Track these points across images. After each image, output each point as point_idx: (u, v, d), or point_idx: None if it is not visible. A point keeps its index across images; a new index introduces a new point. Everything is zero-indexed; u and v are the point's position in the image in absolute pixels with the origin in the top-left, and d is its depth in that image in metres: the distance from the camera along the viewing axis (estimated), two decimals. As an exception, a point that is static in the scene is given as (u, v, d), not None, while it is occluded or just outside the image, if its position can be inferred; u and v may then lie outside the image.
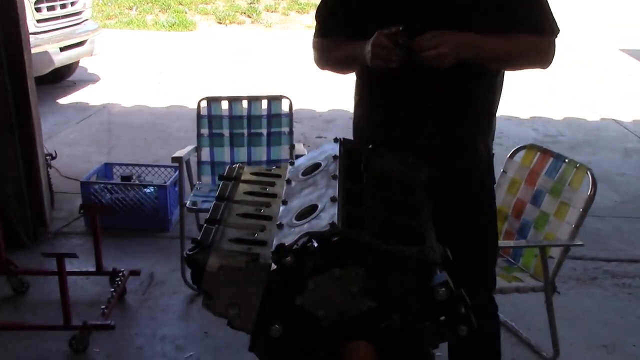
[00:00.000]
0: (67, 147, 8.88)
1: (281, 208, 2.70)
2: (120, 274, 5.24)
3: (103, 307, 4.81)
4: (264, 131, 5.84)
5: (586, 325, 3.44)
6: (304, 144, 6.33)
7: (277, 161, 5.84)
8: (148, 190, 6.49)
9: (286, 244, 2.36)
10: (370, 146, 2.99)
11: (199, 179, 5.92)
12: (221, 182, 2.92)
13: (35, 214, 5.92)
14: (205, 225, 2.57)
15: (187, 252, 2.41)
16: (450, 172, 2.94)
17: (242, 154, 5.85)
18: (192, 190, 5.72)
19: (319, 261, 2.29)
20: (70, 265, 5.28)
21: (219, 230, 2.53)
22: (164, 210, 6.20)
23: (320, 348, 2.28)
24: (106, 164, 6.96)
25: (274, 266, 2.31)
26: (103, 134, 9.33)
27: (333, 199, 2.49)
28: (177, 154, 5.49)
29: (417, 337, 2.19)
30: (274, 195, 2.85)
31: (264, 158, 5.93)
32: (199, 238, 2.47)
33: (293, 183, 2.88)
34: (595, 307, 3.34)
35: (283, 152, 5.98)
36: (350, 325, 2.28)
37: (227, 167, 3.08)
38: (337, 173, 2.70)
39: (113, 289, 4.90)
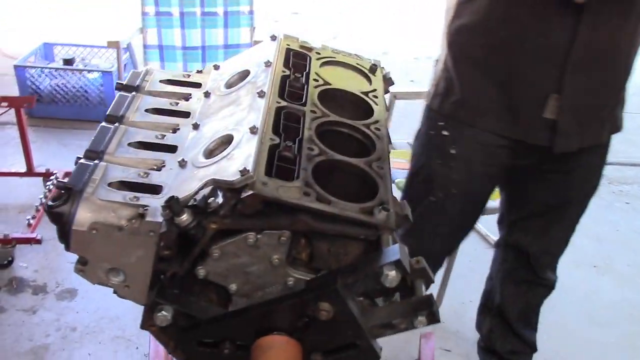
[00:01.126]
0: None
1: (190, 135, 2.00)
2: (54, 176, 4.58)
3: (29, 217, 4.20)
4: (220, 10, 4.97)
5: (576, 241, 2.92)
6: (274, 23, 5.46)
7: (236, 46, 5.03)
8: (92, 77, 5.70)
9: (181, 197, 1.68)
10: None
11: (146, 64, 5.13)
12: (117, 94, 2.18)
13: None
14: (79, 159, 1.87)
15: (50, 203, 1.73)
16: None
17: (194, 37, 5.03)
18: (136, 79, 4.93)
19: (225, 223, 1.62)
20: (-1, 164, 4.57)
21: (98, 168, 1.83)
22: (111, 99, 5.39)
23: (226, 337, 1.67)
24: (46, 44, 6.08)
25: (164, 226, 1.64)
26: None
27: (253, 130, 1.79)
28: (115, 38, 4.66)
29: (356, 328, 1.58)
30: (187, 115, 2.13)
31: (221, 42, 5.10)
32: (66, 180, 1.78)
33: (212, 98, 2.16)
34: (587, 219, 2.82)
35: (243, 36, 5.14)
36: (267, 310, 1.65)
37: (131, 72, 2.33)
38: (265, 88, 1.97)
39: (43, 195, 4.20)
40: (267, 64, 2.11)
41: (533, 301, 3.00)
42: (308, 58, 2.25)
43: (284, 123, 1.88)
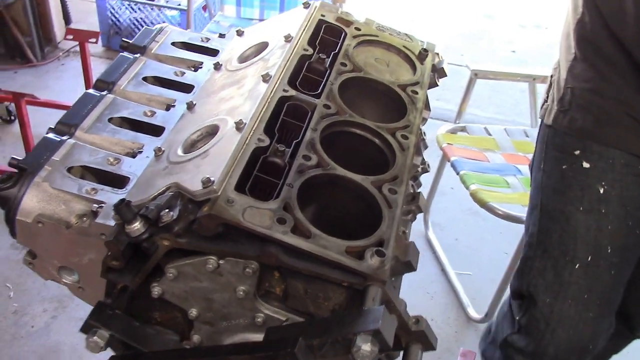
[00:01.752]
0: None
1: (182, 115, 1.67)
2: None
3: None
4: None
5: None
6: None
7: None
8: (171, 14, 5.47)
9: (138, 198, 1.38)
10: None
11: (222, 9, 4.83)
12: (119, 55, 1.88)
13: (44, 30, 5.14)
14: (47, 133, 1.60)
15: (-2, 183, 1.48)
16: None
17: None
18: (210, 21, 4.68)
19: (179, 242, 1.31)
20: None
21: (63, 146, 1.56)
22: (185, 40, 5.15)
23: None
24: (130, -24, 5.89)
25: (111, 234, 1.35)
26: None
27: (239, 125, 1.44)
28: (187, -24, 4.37)
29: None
30: (189, 88, 1.81)
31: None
32: (21, 159, 1.51)
33: (221, 72, 1.82)
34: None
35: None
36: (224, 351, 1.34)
37: (143, 29, 2.02)
38: (273, 71, 1.61)
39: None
40: (288, 38, 1.74)
41: (614, 349, 2.46)
42: (343, 35, 1.85)
43: (284, 119, 1.52)
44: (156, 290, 1.39)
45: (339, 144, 1.58)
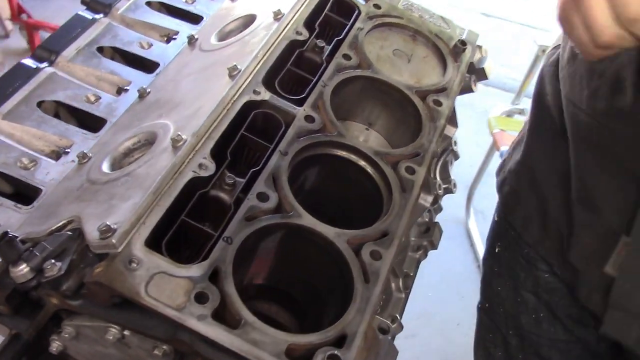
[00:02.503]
0: None
1: (131, 106, 1.30)
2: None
3: None
4: None
5: None
6: None
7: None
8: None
9: (29, 232, 1.03)
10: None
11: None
12: (76, 13, 1.50)
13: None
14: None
15: None
16: None
17: None
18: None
19: (70, 305, 0.96)
20: None
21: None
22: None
23: None
24: None
25: (-6, 273, 1.01)
26: None
27: (175, 142, 1.06)
28: None
29: None
30: (152, 67, 1.42)
31: None
32: None
33: (193, 50, 1.41)
34: None
35: None
36: None
37: (116, -21, 1.62)
38: (243, 64, 1.21)
39: None
40: (277, 15, 1.31)
41: None
42: (355, 13, 1.41)
43: (244, 135, 1.12)
44: (55, 346, 1.05)
45: (320, 171, 1.18)
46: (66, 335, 1.03)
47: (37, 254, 0.97)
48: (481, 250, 3.34)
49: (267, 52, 1.25)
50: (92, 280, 0.91)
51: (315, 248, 1.05)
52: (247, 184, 1.07)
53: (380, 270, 1.03)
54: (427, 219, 1.34)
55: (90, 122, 1.31)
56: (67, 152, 1.23)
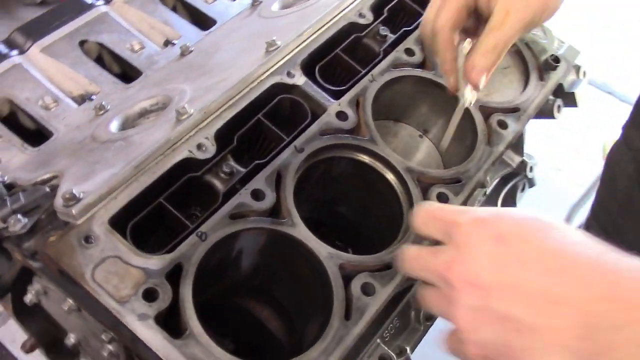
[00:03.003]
0: None
1: (170, 61, 1.21)
2: None
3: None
4: None
5: None
6: None
7: None
8: None
9: (20, 178, 0.98)
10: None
11: None
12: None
13: None
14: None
15: None
16: None
17: None
18: None
19: (31, 265, 0.90)
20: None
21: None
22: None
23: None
24: None
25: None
26: None
27: (180, 116, 0.96)
28: None
29: None
30: (209, 23, 1.32)
31: None
32: None
33: (255, 12, 1.30)
34: None
35: None
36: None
37: None
38: (283, 39, 1.08)
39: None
40: (342, -9, 1.16)
41: None
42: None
43: (260, 121, 1.00)
44: (28, 298, 1.01)
45: (337, 178, 1.04)
46: (35, 291, 0.97)
47: (8, 204, 0.91)
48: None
49: (317, 31, 1.10)
50: (41, 250, 0.83)
51: (306, 263, 0.92)
52: (247, 176, 0.95)
53: (369, 308, 0.88)
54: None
55: (128, 72, 1.24)
56: (92, 99, 1.17)
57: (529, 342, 0.64)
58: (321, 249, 0.91)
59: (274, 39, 1.06)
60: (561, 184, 3.67)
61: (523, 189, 1.46)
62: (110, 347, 0.89)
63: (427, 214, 0.76)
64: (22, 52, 1.21)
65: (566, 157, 3.57)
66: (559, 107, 1.21)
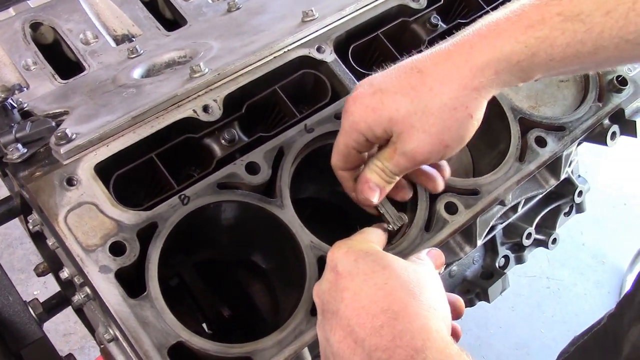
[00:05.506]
0: None
1: (214, 16, 1.19)
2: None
3: None
4: None
5: None
6: None
7: None
8: None
9: (41, 108, 1.00)
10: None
11: None
12: None
13: None
14: None
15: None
16: None
17: None
18: None
19: (23, 195, 0.92)
20: None
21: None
22: None
23: None
24: None
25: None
26: None
27: (193, 73, 0.93)
28: None
29: None
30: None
31: None
32: None
33: None
34: None
35: None
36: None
37: None
38: (321, 11, 1.03)
39: None
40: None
41: None
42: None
43: (277, 92, 0.96)
44: (30, 226, 1.03)
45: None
46: (32, 220, 0.99)
47: (13, 132, 0.92)
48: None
49: (361, 7, 1.04)
50: (25, 183, 0.84)
51: (288, 245, 0.89)
52: (248, 147, 0.91)
53: (338, 307, 0.83)
54: (467, 273, 1.09)
55: (177, 18, 1.23)
56: (132, 40, 1.16)
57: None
58: (304, 237, 0.87)
59: (312, 9, 1.01)
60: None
61: (569, 213, 1.35)
62: (87, 289, 0.89)
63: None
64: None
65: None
66: (614, 134, 1.09)
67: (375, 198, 0.84)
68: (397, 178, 0.85)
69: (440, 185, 0.87)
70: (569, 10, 0.72)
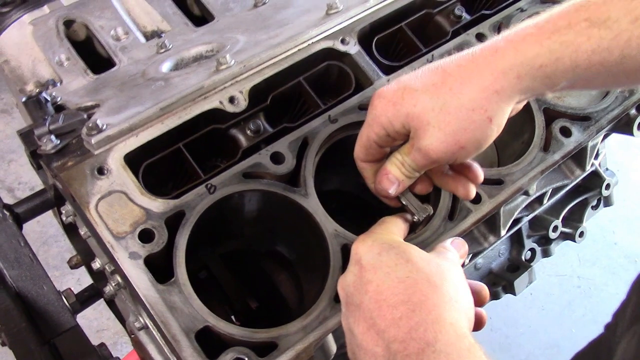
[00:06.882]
0: None
1: (241, 11, 1.21)
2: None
3: None
4: None
5: None
6: None
7: None
8: None
9: (73, 102, 1.03)
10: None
11: None
12: None
13: None
14: None
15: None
16: None
17: None
18: None
19: (56, 185, 0.95)
20: None
21: None
22: None
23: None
24: None
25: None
26: None
27: (219, 65, 0.95)
28: None
29: None
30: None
31: None
32: None
33: None
34: None
35: None
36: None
37: None
38: (344, 4, 1.04)
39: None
40: (425, -37, 1.10)
41: None
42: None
43: (300, 85, 0.97)
44: (64, 218, 1.06)
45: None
46: (65, 211, 1.02)
47: (46, 125, 0.95)
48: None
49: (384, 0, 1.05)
50: (58, 172, 0.87)
51: (312, 233, 0.90)
52: (273, 137, 0.93)
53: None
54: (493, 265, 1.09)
55: (204, 14, 1.25)
56: (160, 36, 1.19)
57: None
58: (328, 225, 0.88)
59: (336, 2, 1.03)
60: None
61: (596, 207, 1.34)
62: (118, 278, 0.92)
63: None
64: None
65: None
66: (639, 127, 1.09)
67: (393, 190, 0.85)
68: (417, 174, 0.85)
69: (472, 192, 0.86)
70: (596, 16, 0.71)
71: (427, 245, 0.90)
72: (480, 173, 0.86)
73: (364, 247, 0.80)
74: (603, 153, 1.25)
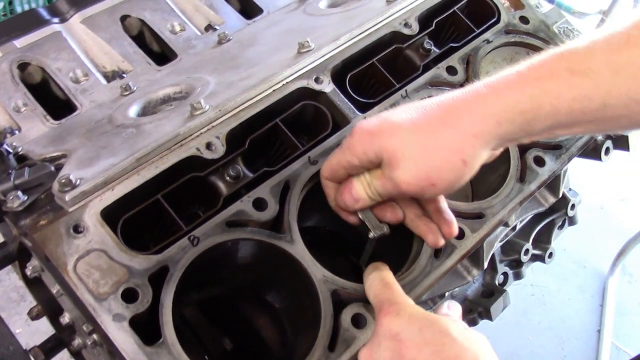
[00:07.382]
0: None
1: (205, 49, 1.18)
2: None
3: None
4: None
5: None
6: None
7: None
8: None
9: (34, 151, 0.98)
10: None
11: None
12: None
13: None
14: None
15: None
16: None
17: None
18: None
19: (25, 244, 0.90)
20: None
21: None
22: None
23: None
24: None
25: None
26: None
27: (194, 111, 0.92)
28: None
29: None
30: (255, 12, 1.28)
31: None
32: None
33: (301, 7, 1.25)
34: None
35: None
36: None
37: None
38: (318, 41, 1.03)
39: None
40: (391, -3, 1.10)
41: None
42: (492, 21, 1.15)
43: (278, 126, 0.95)
44: (29, 272, 1.00)
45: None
46: (32, 267, 0.97)
47: (11, 179, 0.90)
48: (611, 313, 2.91)
49: (356, 37, 1.04)
50: (30, 232, 0.82)
51: (300, 280, 0.88)
52: (254, 183, 0.91)
53: (355, 342, 0.83)
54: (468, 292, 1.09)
55: (165, 52, 1.22)
56: (123, 77, 1.15)
57: None
58: (316, 271, 0.86)
59: (307, 40, 1.01)
60: (621, 216, 3.48)
61: (562, 227, 1.37)
62: (94, 336, 0.87)
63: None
64: (63, 20, 1.20)
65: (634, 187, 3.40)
66: (607, 149, 1.11)
67: (352, 204, 0.84)
68: (379, 199, 0.85)
69: (441, 242, 0.86)
70: (577, 66, 0.72)
71: (415, 285, 0.90)
72: (455, 229, 0.86)
73: (400, 322, 0.78)
74: (567, 174, 1.28)
